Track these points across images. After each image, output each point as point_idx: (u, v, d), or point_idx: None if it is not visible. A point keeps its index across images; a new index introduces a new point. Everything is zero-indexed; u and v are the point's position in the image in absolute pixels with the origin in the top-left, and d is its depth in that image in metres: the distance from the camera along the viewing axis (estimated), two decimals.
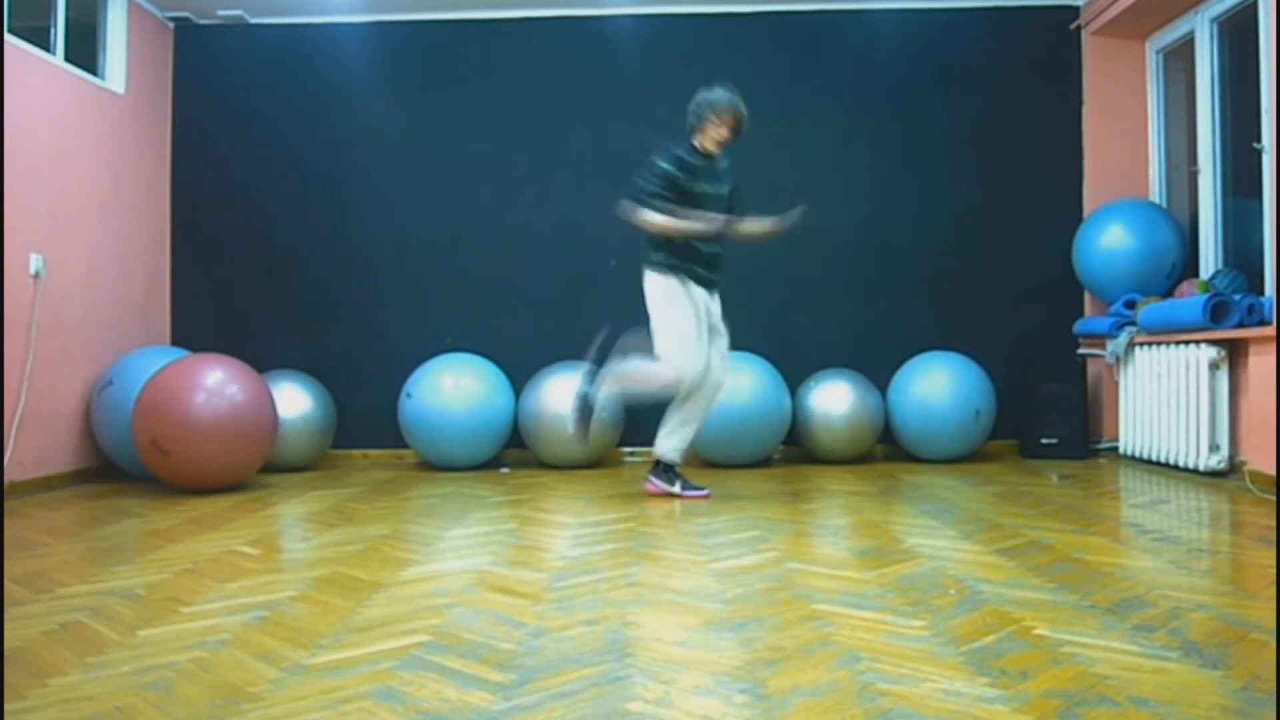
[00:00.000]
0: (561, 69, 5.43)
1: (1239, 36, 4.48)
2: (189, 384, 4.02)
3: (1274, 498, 3.53)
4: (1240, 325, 3.99)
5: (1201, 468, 4.15)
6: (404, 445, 5.14)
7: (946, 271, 5.36)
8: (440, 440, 4.81)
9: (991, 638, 1.88)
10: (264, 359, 4.96)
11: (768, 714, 1.51)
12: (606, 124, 5.35)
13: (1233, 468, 4.13)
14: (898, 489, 4.05)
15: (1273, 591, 2.19)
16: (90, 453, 4.63)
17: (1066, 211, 5.30)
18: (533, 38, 5.42)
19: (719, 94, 3.66)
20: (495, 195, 5.44)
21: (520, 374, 5.03)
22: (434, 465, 4.98)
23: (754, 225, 3.68)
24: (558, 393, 4.82)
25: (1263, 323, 3.93)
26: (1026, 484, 4.12)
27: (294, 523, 3.45)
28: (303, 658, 1.82)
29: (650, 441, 5.37)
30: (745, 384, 4.73)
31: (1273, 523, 3.07)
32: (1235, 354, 4.14)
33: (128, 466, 4.51)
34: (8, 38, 4.03)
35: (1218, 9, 4.56)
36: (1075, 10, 5.30)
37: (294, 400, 4.84)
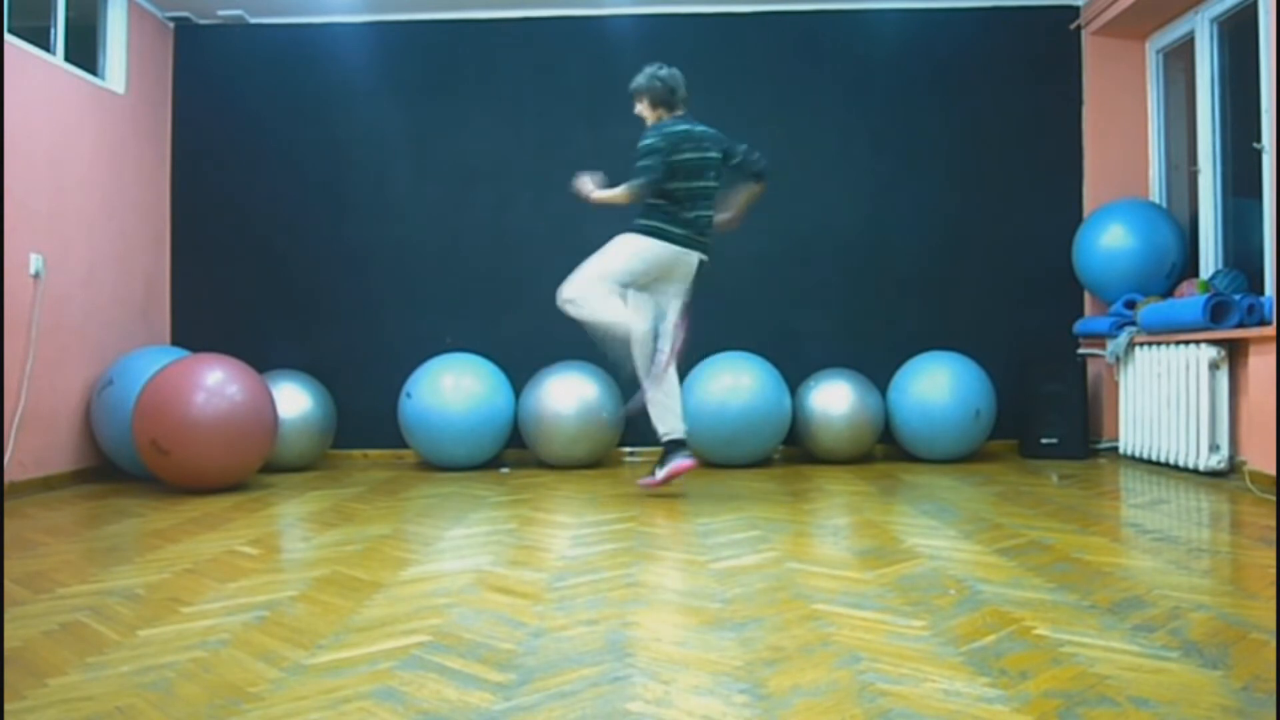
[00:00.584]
0: (561, 69, 5.43)
1: (1239, 36, 4.48)
2: (189, 384, 4.02)
3: (1274, 498, 3.53)
4: (1240, 325, 3.99)
5: (1201, 468, 4.15)
6: (404, 445, 5.14)
7: (946, 271, 5.36)
8: (440, 440, 4.81)
9: (991, 638, 1.88)
10: (264, 359, 4.96)
11: (768, 714, 1.51)
12: (606, 124, 5.34)
13: (1233, 468, 4.13)
14: (898, 489, 4.05)
15: (1273, 591, 2.19)
16: (90, 453, 4.63)
17: (1066, 211, 5.30)
18: (532, 38, 5.42)
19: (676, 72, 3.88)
20: (495, 195, 5.44)
21: (520, 374, 5.03)
22: (434, 465, 4.98)
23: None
24: (558, 393, 4.82)
25: (1263, 323, 3.93)
26: (1026, 484, 4.12)
27: (294, 523, 3.45)
28: (303, 658, 1.82)
29: (651, 442, 5.39)
30: (745, 384, 4.74)
31: (1273, 523, 3.07)
32: (1235, 354, 4.14)
33: (128, 466, 4.51)
34: (8, 38, 4.03)
35: (1218, 9, 4.56)
36: (1075, 10, 5.30)
37: (294, 400, 4.84)
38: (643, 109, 3.85)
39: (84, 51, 4.78)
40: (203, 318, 5.44)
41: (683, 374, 4.88)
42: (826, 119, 5.42)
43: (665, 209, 3.73)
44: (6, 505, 3.79)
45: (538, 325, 5.38)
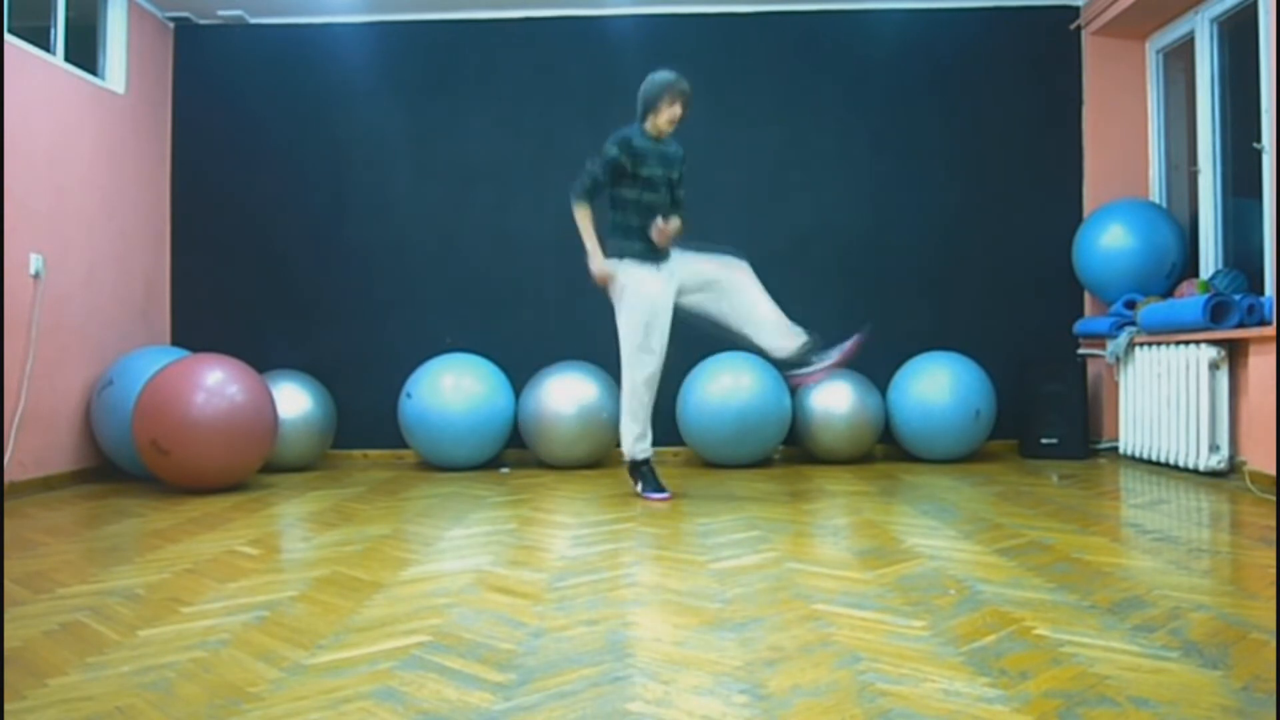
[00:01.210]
0: (561, 69, 5.43)
1: (1239, 36, 4.48)
2: (189, 384, 4.02)
3: (1274, 498, 3.53)
4: (1240, 325, 3.99)
5: (1201, 468, 4.15)
6: (404, 445, 5.14)
7: (946, 271, 5.36)
8: (440, 440, 4.81)
9: (991, 638, 1.88)
10: (264, 359, 4.96)
11: (768, 714, 1.51)
12: (606, 124, 5.29)
13: (1233, 468, 4.13)
14: (898, 489, 4.05)
15: (1273, 591, 2.19)
16: (90, 453, 4.63)
17: (1066, 211, 5.30)
18: (533, 38, 5.42)
19: (666, 75, 3.76)
20: (495, 195, 5.44)
21: (520, 374, 5.03)
22: (434, 465, 4.98)
23: (664, 226, 3.71)
24: (558, 393, 4.82)
25: (1263, 323, 3.93)
26: (1026, 484, 4.12)
27: (294, 523, 3.45)
28: (303, 658, 1.82)
29: (652, 441, 5.38)
30: (745, 384, 4.73)
31: (1273, 523, 3.07)
32: (1235, 354, 4.14)
33: (128, 466, 4.51)
34: (8, 38, 4.03)
35: (1218, 9, 4.56)
36: (1075, 10, 5.30)
37: (294, 400, 4.84)
38: (679, 111, 3.78)
39: (84, 51, 4.78)
40: (203, 318, 5.44)
41: (683, 374, 4.90)
42: (826, 119, 5.42)
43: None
44: (6, 505, 3.79)
45: (538, 325, 5.39)
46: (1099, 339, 5.07)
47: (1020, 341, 5.26)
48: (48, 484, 4.30)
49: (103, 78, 4.93)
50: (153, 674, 1.73)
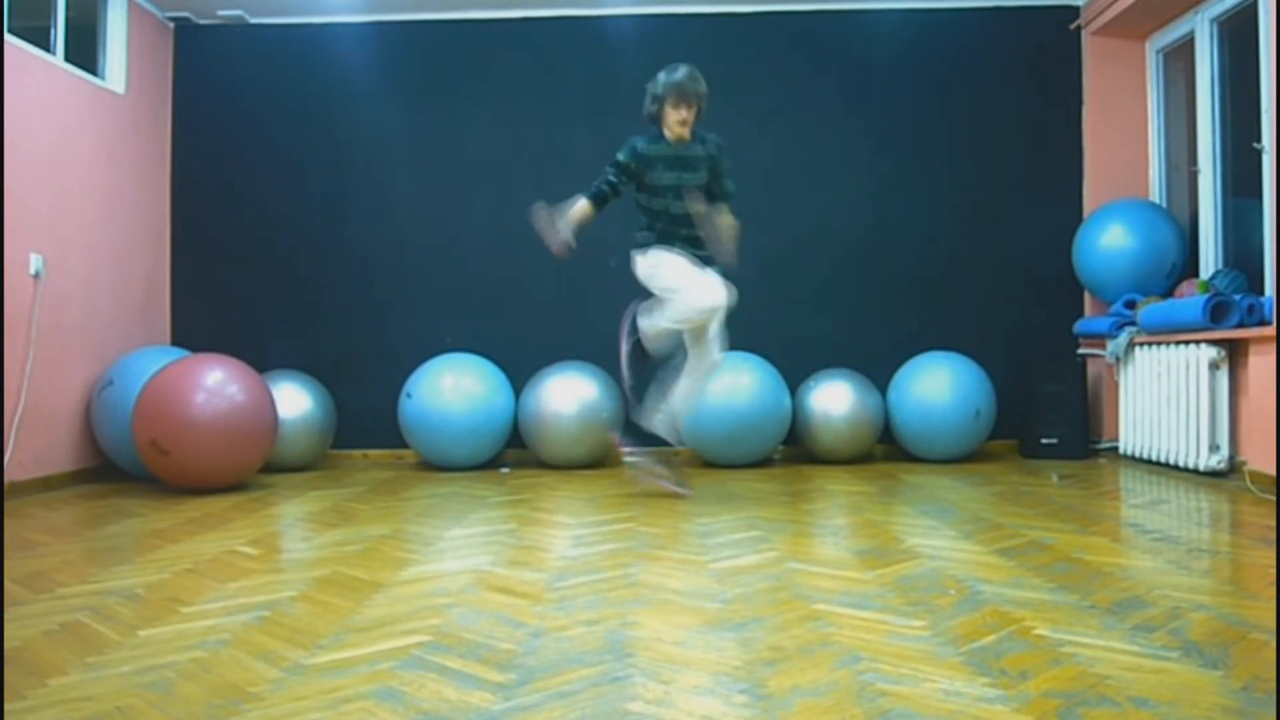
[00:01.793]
0: (561, 69, 5.43)
1: (1239, 36, 4.48)
2: (189, 384, 4.02)
3: (1274, 498, 3.53)
4: (1240, 325, 3.99)
5: (1201, 468, 4.15)
6: (404, 445, 5.14)
7: (947, 271, 5.36)
8: (440, 440, 4.81)
9: (991, 638, 1.88)
10: (264, 359, 4.96)
11: (768, 714, 1.51)
12: (606, 124, 5.32)
13: (1233, 468, 4.13)
14: (898, 489, 4.05)
15: (1273, 591, 2.19)
16: (90, 453, 4.63)
17: (1066, 211, 5.30)
18: (533, 38, 5.42)
19: (669, 75, 3.58)
20: (495, 195, 5.44)
21: (520, 374, 5.03)
22: (434, 465, 4.98)
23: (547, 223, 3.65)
24: (558, 393, 4.82)
25: (1263, 323, 3.93)
26: (1026, 484, 4.12)
27: (294, 523, 3.45)
28: (303, 658, 1.82)
29: (651, 442, 5.38)
30: (745, 384, 4.73)
31: (1273, 523, 3.07)
32: (1235, 354, 4.14)
33: (128, 466, 4.50)
34: (8, 38, 4.03)
35: (1218, 9, 4.56)
36: (1075, 10, 5.30)
37: (294, 400, 4.84)
38: (685, 113, 3.61)
39: (84, 51, 4.78)
40: (203, 318, 5.44)
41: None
42: (826, 119, 5.42)
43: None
44: (6, 505, 3.79)
45: (538, 325, 5.39)
46: (1099, 339, 5.07)
47: (1020, 341, 5.26)
48: (48, 484, 4.30)
49: (103, 78, 4.93)
50: (153, 674, 1.73)
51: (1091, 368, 5.24)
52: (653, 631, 1.96)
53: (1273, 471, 3.65)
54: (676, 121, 3.59)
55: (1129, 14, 4.89)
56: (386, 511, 3.60)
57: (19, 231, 4.11)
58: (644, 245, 3.70)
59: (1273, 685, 1.58)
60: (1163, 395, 4.47)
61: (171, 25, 5.44)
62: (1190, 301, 4.21)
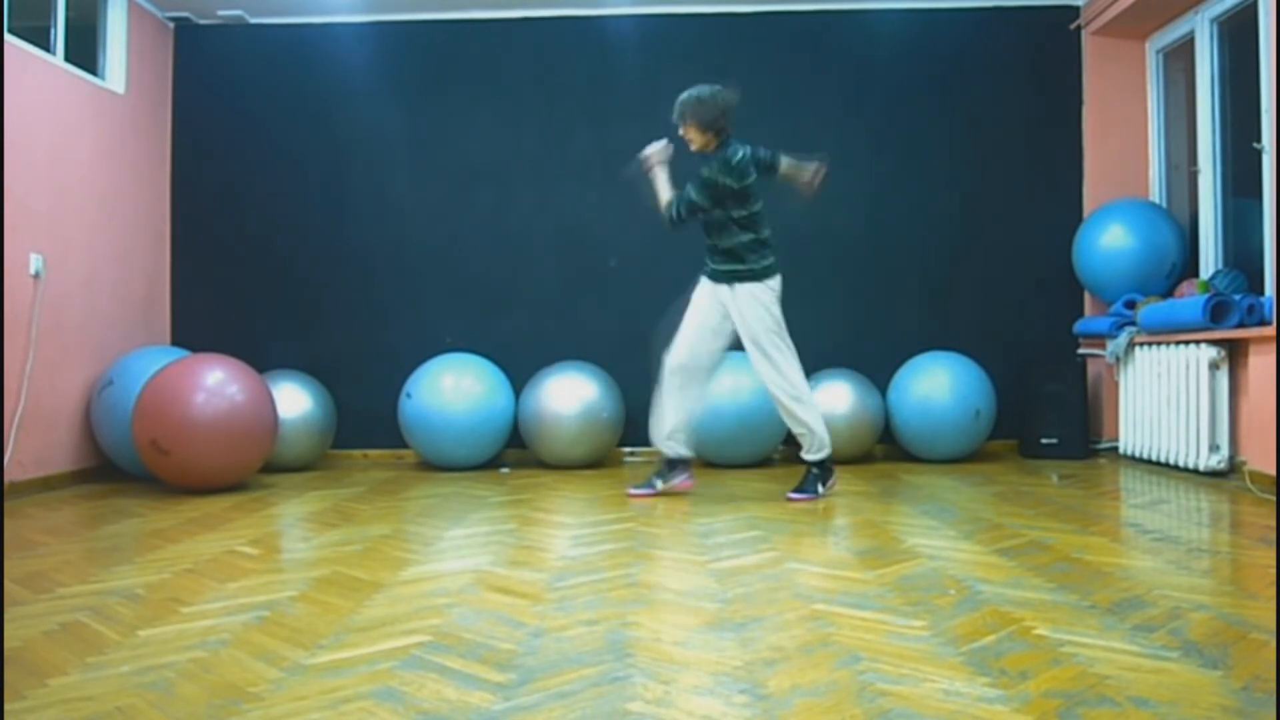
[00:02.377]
0: (561, 69, 5.43)
1: (1239, 36, 4.48)
2: (189, 384, 4.02)
3: (1274, 498, 3.53)
4: (1240, 325, 3.99)
5: (1201, 468, 4.15)
6: (404, 445, 5.14)
7: (946, 271, 5.36)
8: (440, 440, 4.81)
9: (991, 638, 1.88)
10: (264, 359, 4.96)
11: (768, 714, 1.51)
12: (606, 124, 5.34)
13: (1233, 468, 4.13)
14: (898, 489, 4.05)
15: (1273, 591, 2.19)
16: (90, 453, 4.63)
17: (1066, 211, 5.30)
18: (533, 38, 5.42)
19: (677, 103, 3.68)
20: (495, 195, 5.44)
21: (520, 374, 5.03)
22: (434, 465, 4.98)
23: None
24: (558, 393, 4.82)
25: (1263, 323, 3.93)
26: (1026, 484, 4.12)
27: (294, 523, 3.45)
28: (303, 658, 1.82)
29: (648, 441, 5.37)
30: (745, 384, 4.73)
31: (1273, 523, 3.07)
32: (1235, 354, 4.14)
33: (128, 466, 4.50)
34: (8, 38, 4.03)
35: (1218, 9, 4.56)
36: (1075, 10, 5.30)
37: (294, 400, 4.84)
38: (692, 136, 3.67)
39: (84, 51, 4.78)
40: (203, 318, 5.44)
41: None
42: (826, 119, 5.42)
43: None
44: (6, 505, 3.79)
45: (538, 325, 5.39)
46: (1099, 339, 5.07)
47: (1020, 341, 5.26)
48: (48, 484, 4.30)
49: (103, 78, 4.93)
50: (153, 674, 1.73)
51: (1091, 368, 5.24)
52: (653, 631, 1.96)
53: (1273, 471, 3.64)
54: (689, 142, 3.71)
55: (1129, 14, 4.89)
56: (386, 511, 3.60)
57: (19, 231, 4.11)
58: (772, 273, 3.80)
59: (1273, 685, 1.58)
60: (1163, 395, 4.47)
61: (171, 25, 5.45)
62: (1190, 301, 4.21)
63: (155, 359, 4.45)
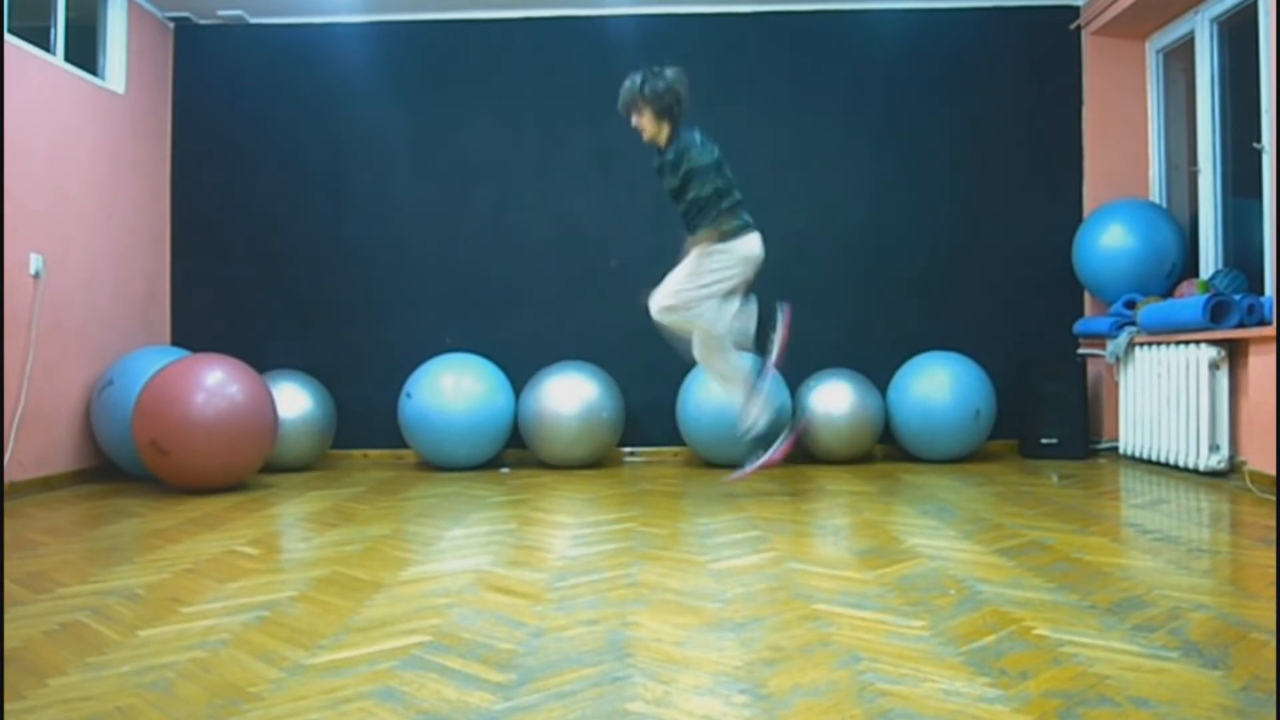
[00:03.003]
0: (561, 69, 5.43)
1: (1239, 36, 4.48)
2: (189, 384, 4.02)
3: (1274, 498, 3.53)
4: (1240, 325, 3.99)
5: (1201, 468, 4.15)
6: (404, 445, 5.14)
7: (947, 271, 5.36)
8: (440, 440, 4.81)
9: (991, 638, 1.88)
10: (264, 359, 4.96)
11: (768, 714, 1.51)
12: (606, 124, 5.30)
13: (1233, 468, 4.13)
14: (898, 489, 4.05)
15: (1273, 591, 2.19)
16: (90, 453, 4.63)
17: (1066, 211, 5.30)
18: (533, 38, 5.42)
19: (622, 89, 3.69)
20: (495, 195, 5.44)
21: (520, 374, 5.03)
22: (434, 465, 4.98)
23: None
24: (558, 393, 4.82)
25: (1263, 323, 3.93)
26: (1026, 484, 4.12)
27: (294, 523, 3.45)
28: (303, 658, 1.82)
29: (651, 441, 5.38)
30: None
31: (1273, 523, 3.07)
32: (1235, 354, 4.14)
33: (128, 466, 4.50)
34: (8, 38, 4.03)
35: (1218, 9, 4.56)
36: (1075, 10, 5.30)
37: (294, 400, 4.84)
38: (638, 124, 3.69)
39: (84, 51, 4.78)
40: (203, 318, 5.44)
41: (683, 374, 4.90)
42: (826, 119, 5.42)
43: (739, 200, 3.77)
44: (6, 505, 3.79)
45: (538, 325, 5.39)
46: (1099, 339, 5.07)
47: (1020, 341, 5.26)
48: (48, 484, 4.30)
49: (103, 78, 4.93)
50: (153, 674, 1.73)
51: (1091, 368, 5.24)
52: (653, 631, 1.96)
53: (1273, 471, 3.65)
54: (641, 133, 3.73)
55: (1129, 14, 4.89)
56: (386, 511, 3.60)
57: (19, 231, 4.11)
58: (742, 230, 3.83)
59: (1273, 685, 1.58)
60: (1163, 395, 4.47)
61: (171, 25, 5.44)
62: (1190, 301, 4.21)
63: (155, 359, 4.45)
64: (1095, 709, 1.50)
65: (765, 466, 3.81)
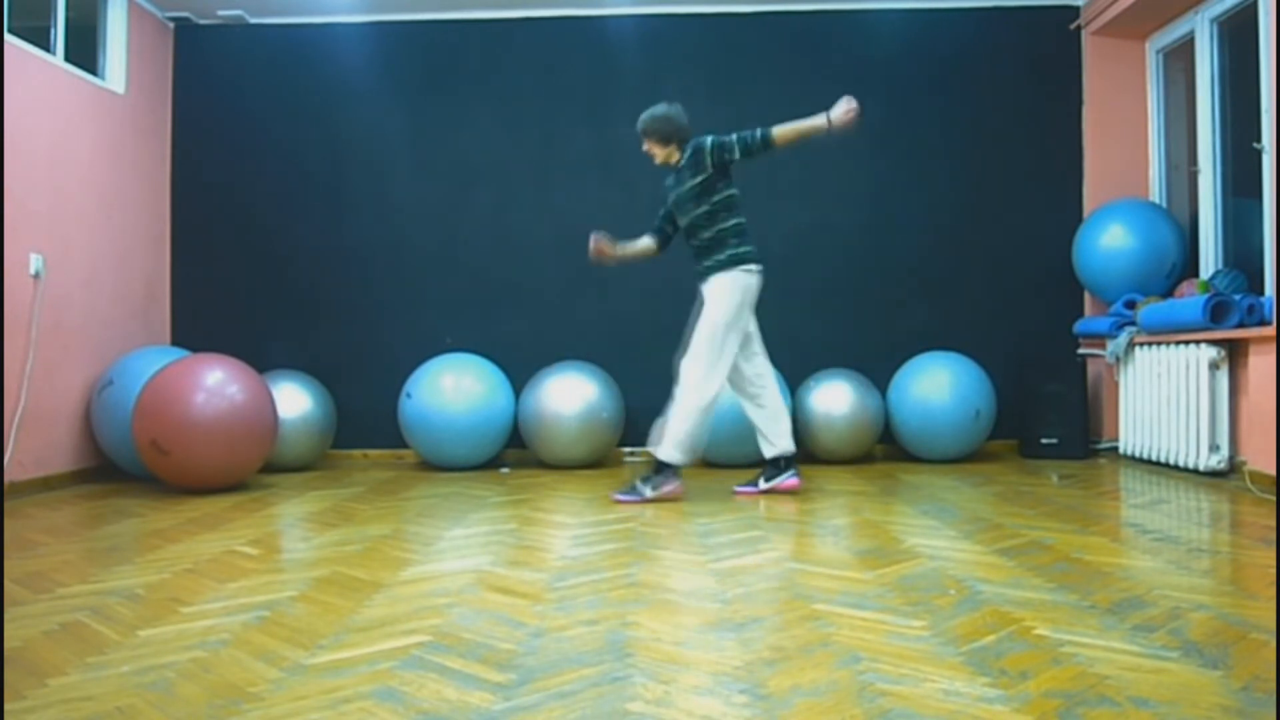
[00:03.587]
0: (561, 69, 5.43)
1: (1239, 36, 4.48)
2: (189, 384, 4.02)
3: (1274, 498, 3.53)
4: (1240, 325, 3.99)
5: (1201, 468, 4.15)
6: (404, 445, 5.14)
7: (946, 271, 5.36)
8: (440, 440, 4.81)
9: (991, 638, 1.88)
10: (264, 359, 4.97)
11: (768, 714, 1.51)
12: (606, 124, 5.34)
13: (1233, 468, 4.13)
14: (898, 489, 4.05)
15: (1273, 591, 2.19)
16: (90, 453, 4.63)
17: (1066, 211, 5.30)
18: (533, 38, 5.42)
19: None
20: (495, 195, 5.44)
21: (520, 374, 5.04)
22: (434, 465, 4.98)
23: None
24: (558, 393, 4.82)
25: (1263, 323, 3.93)
26: (1026, 484, 4.12)
27: (294, 523, 3.45)
28: (303, 658, 1.82)
29: (647, 441, 5.37)
30: None
31: (1273, 523, 3.07)
32: (1235, 354, 4.14)
33: (128, 466, 4.51)
34: (8, 38, 4.03)
35: (1218, 9, 4.56)
36: (1075, 10, 5.30)
37: (294, 400, 4.84)
38: (649, 150, 3.84)
39: (84, 51, 4.78)
40: (203, 318, 5.44)
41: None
42: None
43: (744, 226, 3.82)
44: (6, 505, 3.79)
45: (538, 325, 5.39)
46: (1099, 339, 5.07)
47: (1020, 341, 5.26)
48: (48, 484, 4.30)
49: (103, 78, 4.93)
50: (153, 674, 1.73)
51: (1091, 368, 5.24)
52: (653, 631, 1.96)
53: (1273, 471, 3.65)
54: (653, 157, 3.86)
55: (1129, 14, 4.89)
56: (386, 511, 3.60)
57: (19, 231, 4.11)
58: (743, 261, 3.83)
59: (1273, 685, 1.58)
60: (1163, 395, 4.47)
61: (171, 25, 5.45)
62: (1190, 301, 4.21)
63: (155, 359, 4.45)
64: (1095, 709, 1.50)
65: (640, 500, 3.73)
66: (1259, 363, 3.89)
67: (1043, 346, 5.25)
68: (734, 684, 1.64)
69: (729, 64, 5.39)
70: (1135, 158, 5.25)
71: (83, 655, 1.85)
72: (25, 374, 4.15)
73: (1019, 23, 5.33)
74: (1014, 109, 5.36)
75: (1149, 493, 3.85)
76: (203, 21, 5.44)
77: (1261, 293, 4.22)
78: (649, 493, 3.71)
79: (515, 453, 5.16)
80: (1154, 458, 4.56)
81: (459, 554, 2.82)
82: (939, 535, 2.96)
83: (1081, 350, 5.25)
